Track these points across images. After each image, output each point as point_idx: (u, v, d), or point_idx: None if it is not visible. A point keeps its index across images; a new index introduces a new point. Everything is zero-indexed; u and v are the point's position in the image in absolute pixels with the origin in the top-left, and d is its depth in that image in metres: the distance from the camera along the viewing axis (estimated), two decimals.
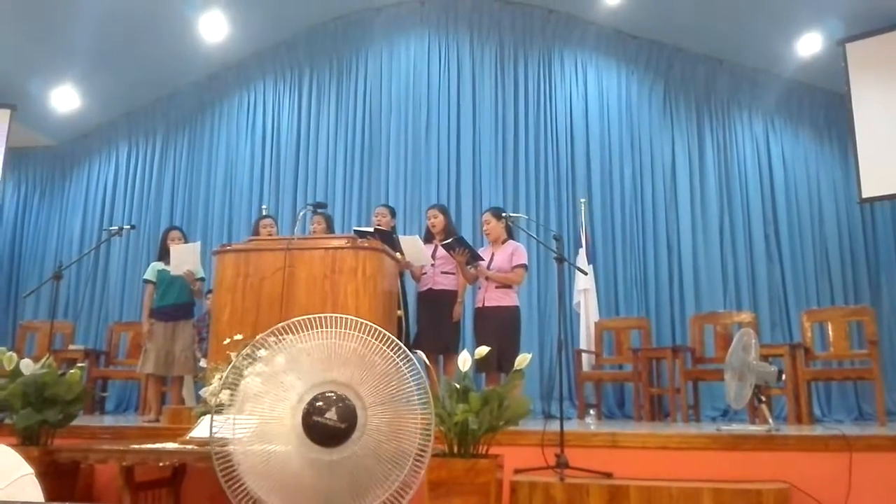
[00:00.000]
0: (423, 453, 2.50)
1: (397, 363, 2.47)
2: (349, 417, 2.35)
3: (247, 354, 2.56)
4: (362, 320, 2.49)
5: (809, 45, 7.06)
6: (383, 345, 2.47)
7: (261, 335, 2.54)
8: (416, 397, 2.51)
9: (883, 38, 6.57)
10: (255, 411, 2.46)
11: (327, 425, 2.32)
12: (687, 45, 7.77)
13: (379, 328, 2.50)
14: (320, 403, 2.35)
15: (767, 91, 7.57)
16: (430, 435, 2.52)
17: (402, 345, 2.52)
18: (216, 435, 2.51)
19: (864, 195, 6.57)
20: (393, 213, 5.74)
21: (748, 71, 7.65)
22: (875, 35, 6.59)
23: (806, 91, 7.54)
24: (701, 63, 7.79)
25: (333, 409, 2.33)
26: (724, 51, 7.63)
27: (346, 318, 2.48)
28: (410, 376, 2.49)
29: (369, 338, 2.46)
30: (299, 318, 2.47)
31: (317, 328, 2.44)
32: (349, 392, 2.40)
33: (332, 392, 2.38)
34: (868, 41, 6.64)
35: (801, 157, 7.43)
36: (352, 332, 2.45)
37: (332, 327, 2.44)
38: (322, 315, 2.47)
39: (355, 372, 2.43)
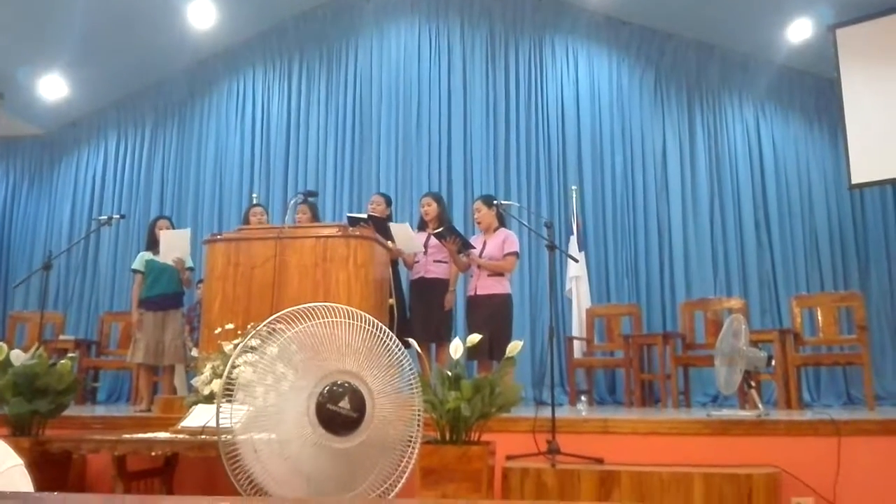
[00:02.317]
0: (415, 440, 2.53)
1: (397, 353, 2.50)
2: (360, 406, 2.38)
3: (250, 344, 2.56)
4: (364, 313, 2.50)
5: (800, 30, 7.07)
6: (384, 335, 2.50)
7: (266, 322, 2.54)
8: (414, 385, 2.55)
9: (872, 24, 6.57)
10: (267, 399, 2.47)
11: (341, 414, 2.35)
12: (678, 31, 7.76)
13: (376, 321, 2.52)
14: (335, 392, 2.37)
15: (758, 77, 7.57)
16: (420, 422, 2.55)
17: (393, 335, 2.54)
18: (218, 424, 2.51)
19: (854, 181, 6.59)
20: (388, 202, 5.72)
21: (739, 57, 7.65)
22: (865, 21, 6.59)
23: (796, 77, 7.55)
24: (692, 49, 7.78)
25: (347, 397, 2.36)
26: (716, 37, 7.62)
27: (350, 310, 2.49)
28: (408, 366, 2.53)
29: (373, 328, 2.49)
30: (304, 305, 2.47)
31: (322, 318, 2.45)
32: (358, 381, 2.42)
33: (343, 381, 2.40)
34: (858, 27, 6.65)
35: (791, 142, 7.45)
36: (357, 322, 2.47)
37: (336, 317, 2.46)
38: (331, 305, 2.48)
39: (363, 362, 2.46)
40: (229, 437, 2.41)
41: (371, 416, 2.42)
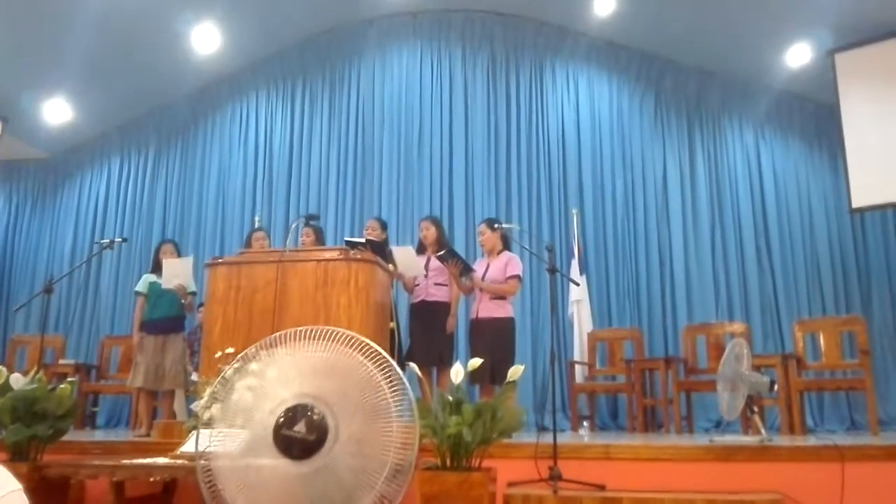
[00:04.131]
0: (405, 465, 2.43)
1: (371, 373, 2.42)
2: (319, 429, 2.31)
3: (222, 372, 2.55)
4: (341, 329, 2.45)
5: (799, 55, 7.12)
6: (359, 354, 2.43)
7: (239, 351, 2.52)
8: (393, 407, 2.44)
9: (871, 49, 6.63)
10: (233, 425, 2.44)
11: (296, 437, 2.30)
12: (678, 57, 7.82)
13: (358, 337, 2.46)
14: (290, 416, 2.32)
15: (758, 102, 7.62)
16: (413, 446, 2.46)
17: (382, 353, 2.46)
18: (202, 449, 2.48)
19: (855, 205, 6.61)
20: (384, 226, 5.73)
21: (739, 82, 7.70)
22: (863, 45, 6.65)
23: (796, 101, 7.59)
24: (692, 74, 7.84)
25: (303, 421, 2.31)
26: (715, 62, 7.68)
27: (326, 330, 2.45)
28: (388, 386, 2.43)
29: (344, 347, 2.42)
30: (282, 332, 2.45)
31: (297, 341, 2.42)
32: (320, 404, 2.36)
33: (303, 404, 2.35)
34: (857, 51, 6.70)
35: (791, 167, 7.47)
36: (327, 342, 2.42)
37: (313, 340, 2.42)
38: (302, 328, 2.45)
39: (326, 383, 2.40)
40: (204, 462, 2.38)
41: (335, 438, 2.33)
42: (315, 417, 2.31)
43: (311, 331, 2.43)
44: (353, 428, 2.36)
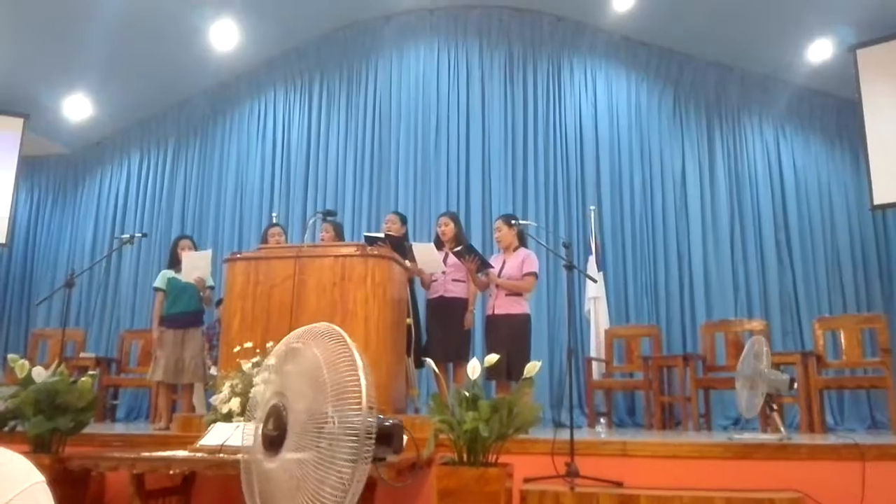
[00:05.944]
0: (352, 454, 2.28)
1: (318, 361, 2.33)
2: (281, 423, 2.33)
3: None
4: (327, 325, 2.40)
5: (820, 51, 7.05)
6: (312, 342, 2.37)
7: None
8: (330, 393, 2.28)
9: (894, 45, 6.54)
10: (252, 420, 2.46)
11: (268, 434, 2.32)
12: (697, 52, 7.76)
13: (334, 327, 2.40)
14: (269, 412, 2.35)
15: (778, 98, 7.54)
16: (371, 434, 2.29)
17: (346, 337, 2.32)
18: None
19: (876, 202, 6.54)
20: (403, 221, 5.73)
21: (758, 77, 7.63)
22: (886, 41, 6.57)
23: (817, 97, 7.51)
24: (711, 70, 7.78)
25: (272, 417, 2.33)
26: (735, 57, 7.61)
27: (324, 326, 2.41)
28: (329, 372, 2.30)
29: (313, 339, 2.40)
30: (301, 328, 2.44)
31: (314, 337, 2.41)
32: (284, 399, 2.37)
33: (276, 400, 2.38)
34: (879, 47, 6.62)
35: (812, 163, 7.40)
36: (292, 339, 2.41)
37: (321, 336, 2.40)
38: (307, 326, 2.42)
39: (287, 378, 2.40)
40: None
41: (291, 431, 2.32)
42: (278, 412, 2.32)
43: (316, 327, 2.42)
44: (300, 419, 2.33)
